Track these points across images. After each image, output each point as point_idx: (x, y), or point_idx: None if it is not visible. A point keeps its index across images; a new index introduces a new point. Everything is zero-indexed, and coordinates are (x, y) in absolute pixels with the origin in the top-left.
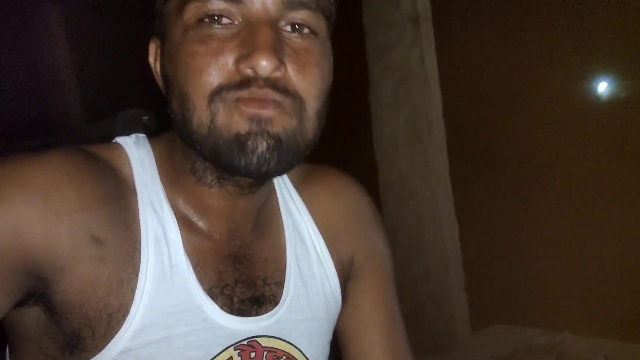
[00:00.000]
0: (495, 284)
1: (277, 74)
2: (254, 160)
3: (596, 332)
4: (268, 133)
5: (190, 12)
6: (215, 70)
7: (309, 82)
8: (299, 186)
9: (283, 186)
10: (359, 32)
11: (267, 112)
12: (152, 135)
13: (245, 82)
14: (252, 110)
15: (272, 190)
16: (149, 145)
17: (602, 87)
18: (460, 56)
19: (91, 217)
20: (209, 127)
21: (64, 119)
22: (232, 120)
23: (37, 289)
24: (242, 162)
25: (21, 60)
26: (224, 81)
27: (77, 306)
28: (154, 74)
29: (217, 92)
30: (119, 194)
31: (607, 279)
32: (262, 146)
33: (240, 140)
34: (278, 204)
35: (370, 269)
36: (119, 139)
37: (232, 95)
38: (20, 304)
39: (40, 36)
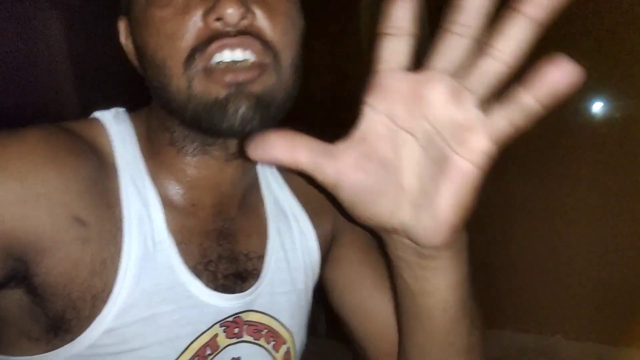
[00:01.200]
0: (487, 289)
1: (245, 21)
2: (237, 121)
3: (587, 337)
4: (247, 93)
5: None
6: (186, 32)
7: (279, 31)
8: None
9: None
10: (355, 34)
11: (245, 76)
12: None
13: (215, 37)
14: (229, 77)
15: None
16: (129, 119)
17: (597, 106)
18: None
19: (73, 197)
20: (187, 94)
21: (59, 117)
22: (209, 86)
23: (18, 272)
24: (224, 124)
25: (18, 56)
26: (196, 42)
27: (60, 288)
28: (128, 53)
29: (192, 56)
30: (101, 173)
31: (599, 283)
32: (244, 105)
33: (220, 104)
34: (259, 180)
35: (351, 240)
36: (98, 114)
37: (206, 55)
38: (1, 287)
39: (38, 34)
